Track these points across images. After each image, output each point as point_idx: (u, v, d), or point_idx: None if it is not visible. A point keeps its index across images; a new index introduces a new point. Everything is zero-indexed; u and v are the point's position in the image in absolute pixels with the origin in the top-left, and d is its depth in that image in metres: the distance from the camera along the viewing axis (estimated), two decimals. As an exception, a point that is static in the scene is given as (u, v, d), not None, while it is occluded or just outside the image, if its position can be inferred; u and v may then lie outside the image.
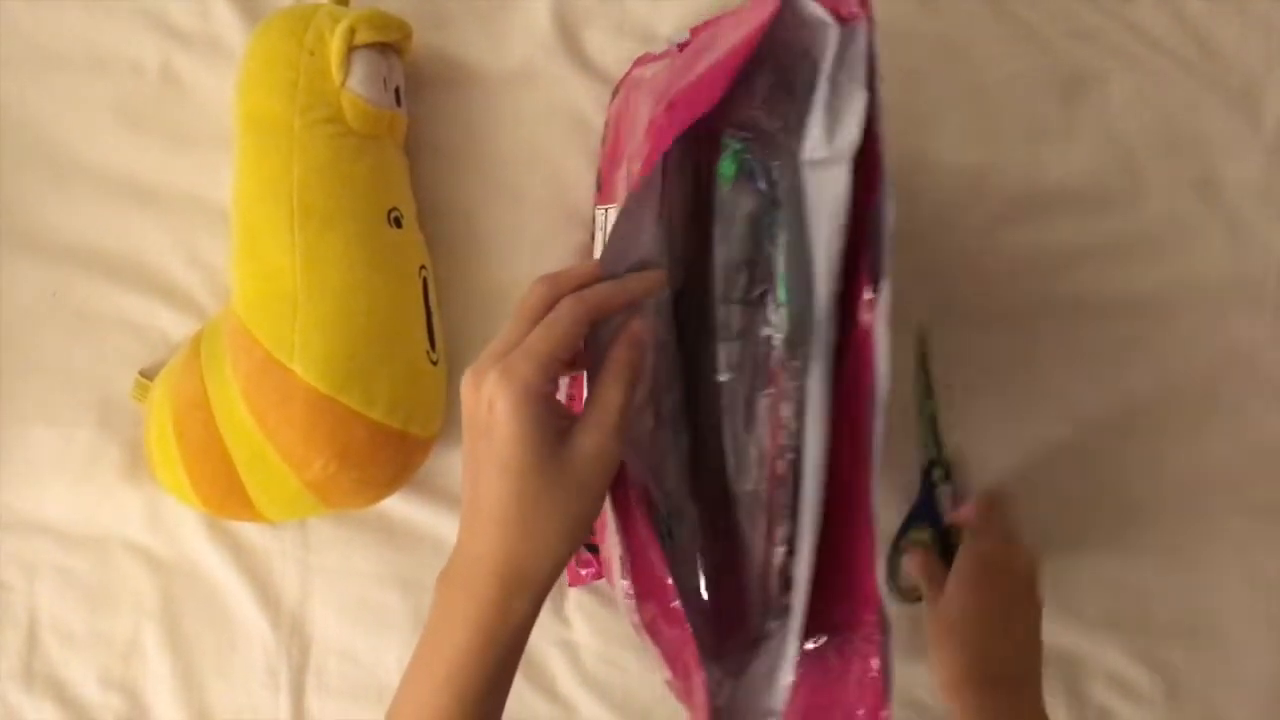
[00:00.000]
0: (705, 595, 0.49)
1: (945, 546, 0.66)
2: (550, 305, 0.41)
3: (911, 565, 0.64)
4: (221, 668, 0.65)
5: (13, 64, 0.67)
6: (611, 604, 0.65)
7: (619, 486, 0.44)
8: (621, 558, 0.46)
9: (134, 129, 0.67)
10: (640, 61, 0.64)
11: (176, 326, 0.66)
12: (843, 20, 0.42)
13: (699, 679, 0.44)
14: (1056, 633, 0.66)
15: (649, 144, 0.44)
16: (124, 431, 0.65)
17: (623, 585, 0.47)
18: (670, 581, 0.43)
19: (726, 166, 0.46)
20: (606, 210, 0.62)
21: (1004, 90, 0.69)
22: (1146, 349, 0.68)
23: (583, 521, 0.41)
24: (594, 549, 0.62)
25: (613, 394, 0.41)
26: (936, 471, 0.67)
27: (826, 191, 0.41)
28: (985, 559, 0.60)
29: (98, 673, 0.65)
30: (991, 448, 0.67)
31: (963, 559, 0.60)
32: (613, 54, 0.67)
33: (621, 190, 0.53)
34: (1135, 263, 0.69)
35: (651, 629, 0.46)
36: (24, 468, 0.65)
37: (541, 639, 0.65)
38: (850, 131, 0.40)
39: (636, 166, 0.47)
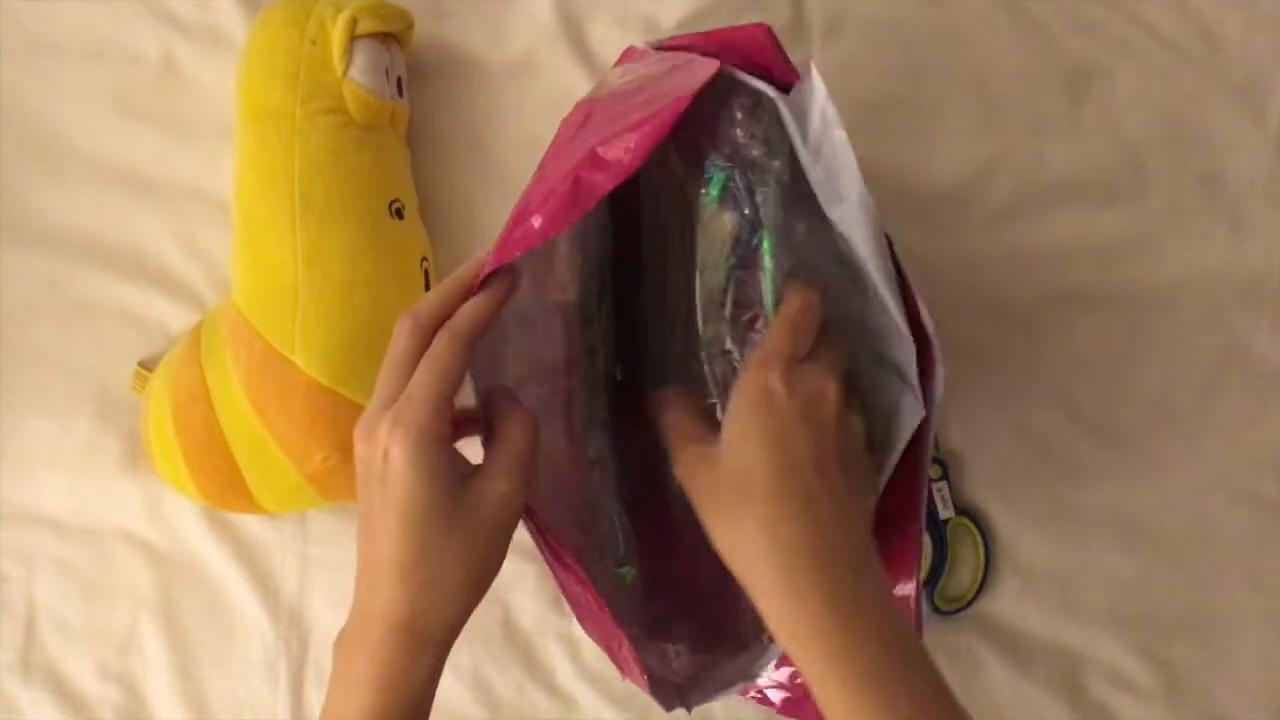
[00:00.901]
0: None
1: (940, 544, 0.66)
2: (423, 342, 0.40)
3: (658, 405, 0.45)
4: (220, 660, 0.65)
5: (10, 53, 0.66)
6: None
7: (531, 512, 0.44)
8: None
9: (133, 119, 0.67)
10: (627, 56, 0.63)
11: (176, 318, 0.65)
12: (784, 88, 0.45)
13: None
14: (1057, 628, 0.66)
15: (562, 194, 0.41)
16: (122, 423, 0.65)
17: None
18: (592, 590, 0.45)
19: (712, 190, 0.46)
20: None
21: (1008, 84, 0.69)
22: (1148, 345, 0.68)
23: (488, 569, 0.40)
24: None
25: (517, 437, 0.41)
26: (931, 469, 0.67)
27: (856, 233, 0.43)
28: (781, 388, 0.40)
29: (95, 664, 0.64)
30: (989, 444, 0.67)
31: (747, 390, 0.41)
32: (615, 46, 0.67)
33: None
34: (1137, 258, 0.69)
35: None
36: (22, 459, 0.65)
37: (541, 633, 0.65)
38: (853, 187, 0.43)
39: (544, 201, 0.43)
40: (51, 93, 0.67)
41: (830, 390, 0.41)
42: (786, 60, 0.47)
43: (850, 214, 0.43)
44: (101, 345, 0.65)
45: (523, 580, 0.65)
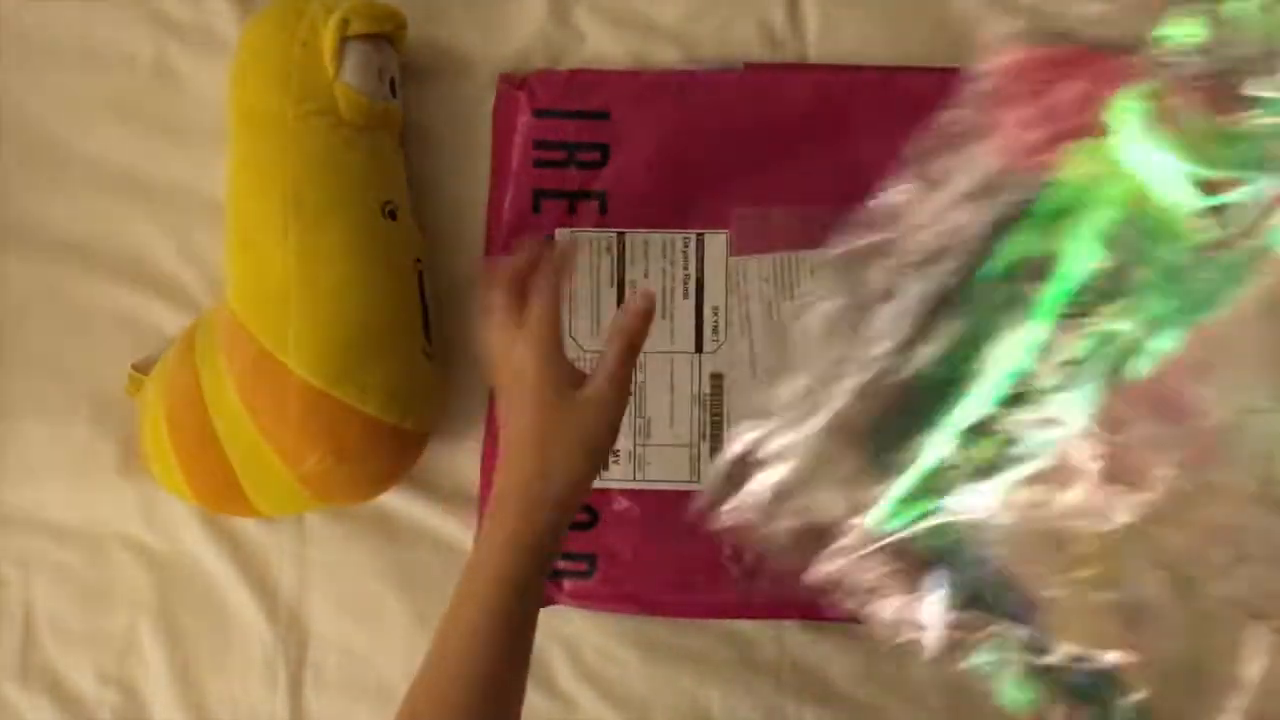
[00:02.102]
0: None
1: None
2: (519, 282, 0.52)
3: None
4: (219, 663, 0.65)
5: (5, 57, 0.67)
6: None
7: None
8: None
9: (127, 122, 0.67)
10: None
11: (171, 321, 0.65)
12: None
13: None
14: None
15: None
16: (119, 427, 0.65)
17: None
18: None
19: None
20: None
21: (1005, 80, 0.68)
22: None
23: (593, 448, 0.49)
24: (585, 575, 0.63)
25: (613, 353, 0.50)
26: None
27: None
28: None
29: (94, 668, 0.65)
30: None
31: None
32: (610, 45, 0.67)
33: None
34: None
35: None
36: (19, 464, 0.65)
37: (541, 635, 0.65)
38: None
39: None
40: (46, 96, 0.67)
41: None
42: None
43: None
44: (97, 349, 0.65)
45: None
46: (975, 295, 0.36)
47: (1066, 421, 0.34)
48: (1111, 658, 0.35)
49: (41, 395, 0.65)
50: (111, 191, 0.66)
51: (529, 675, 0.65)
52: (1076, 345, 0.35)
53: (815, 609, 0.59)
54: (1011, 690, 0.38)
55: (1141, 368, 0.34)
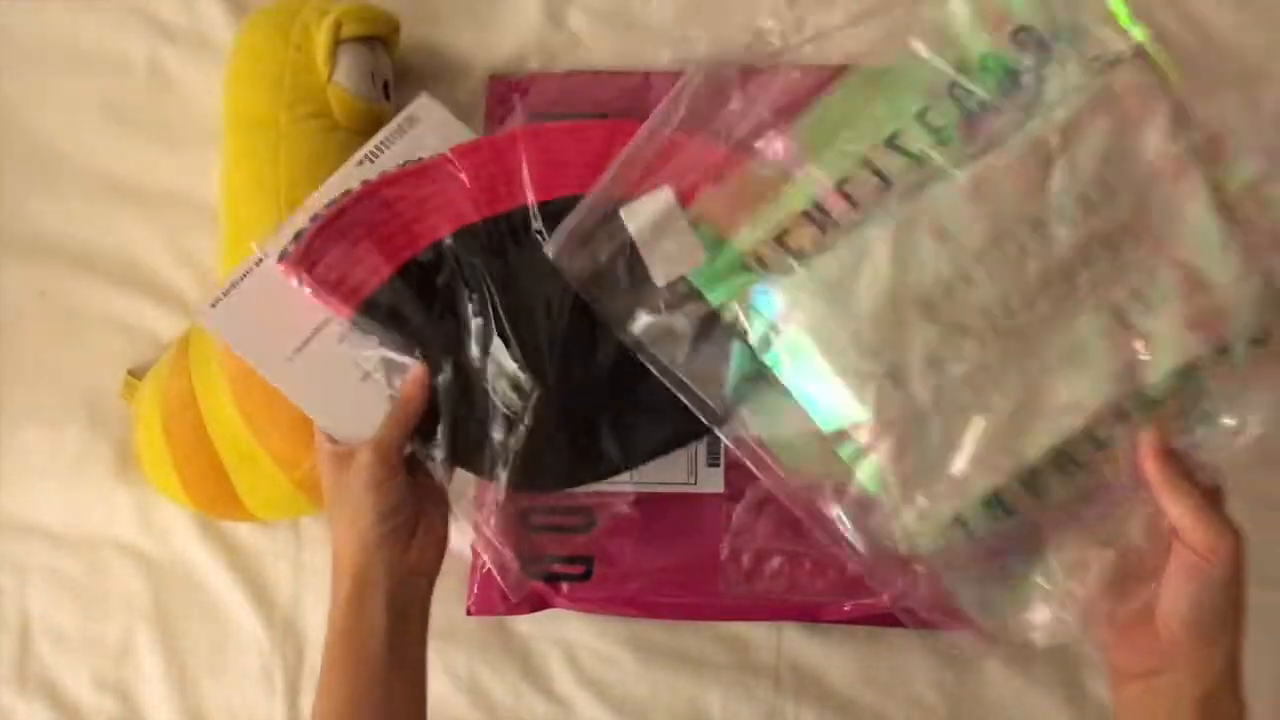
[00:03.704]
0: None
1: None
2: None
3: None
4: (215, 669, 0.65)
5: (-1, 61, 0.67)
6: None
7: None
8: None
9: (121, 126, 0.67)
10: None
11: (166, 325, 0.65)
12: None
13: None
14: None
15: None
16: (114, 432, 0.65)
17: None
18: None
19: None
20: None
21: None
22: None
23: (360, 518, 0.49)
24: (583, 577, 0.62)
25: (385, 423, 0.50)
26: None
27: None
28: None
29: (90, 674, 0.64)
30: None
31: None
32: (605, 47, 0.67)
33: None
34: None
35: None
36: (14, 469, 0.65)
37: (539, 638, 0.65)
38: None
39: None
40: (40, 100, 0.67)
41: None
42: None
43: None
44: (92, 354, 0.65)
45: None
46: None
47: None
48: (865, 421, 0.44)
49: (36, 400, 0.65)
50: (105, 195, 0.66)
51: (527, 680, 0.65)
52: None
53: (813, 611, 0.59)
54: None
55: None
